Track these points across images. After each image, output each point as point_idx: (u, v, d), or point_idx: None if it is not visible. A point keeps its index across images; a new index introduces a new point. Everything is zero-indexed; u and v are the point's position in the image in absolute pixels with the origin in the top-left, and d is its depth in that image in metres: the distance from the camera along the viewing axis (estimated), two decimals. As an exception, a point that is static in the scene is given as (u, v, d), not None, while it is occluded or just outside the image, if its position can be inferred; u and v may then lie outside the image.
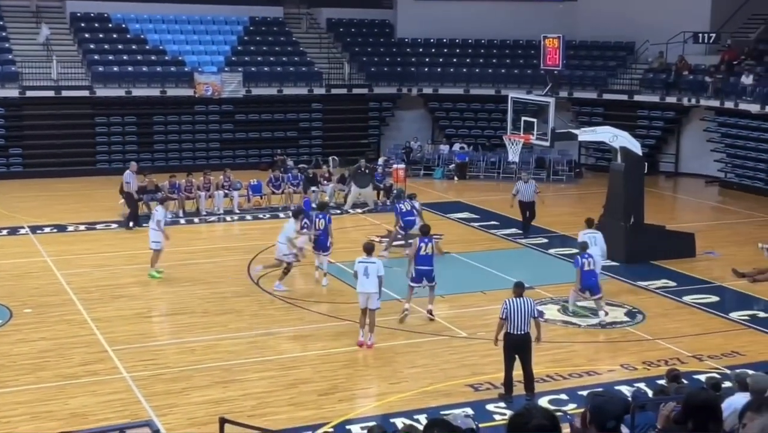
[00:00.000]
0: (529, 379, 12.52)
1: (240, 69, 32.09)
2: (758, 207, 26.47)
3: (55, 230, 22.50)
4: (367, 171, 26.05)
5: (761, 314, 16.61)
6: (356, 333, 15.10)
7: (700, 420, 5.29)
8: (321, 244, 18.12)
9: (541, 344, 12.89)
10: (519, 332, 12.35)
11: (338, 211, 24.15)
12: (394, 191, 23.89)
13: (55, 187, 27.86)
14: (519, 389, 12.67)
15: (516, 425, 3.73)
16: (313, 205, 20.19)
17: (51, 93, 29.77)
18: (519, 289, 12.74)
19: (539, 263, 20.02)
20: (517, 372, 12.51)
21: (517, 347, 12.42)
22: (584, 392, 12.33)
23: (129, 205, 22.84)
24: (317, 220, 18.26)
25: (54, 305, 16.58)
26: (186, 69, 31.68)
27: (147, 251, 18.71)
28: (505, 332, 12.42)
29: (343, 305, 16.65)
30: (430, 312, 16.00)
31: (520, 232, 22.18)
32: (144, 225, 23.02)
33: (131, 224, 22.59)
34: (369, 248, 14.92)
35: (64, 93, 29.91)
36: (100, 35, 32.71)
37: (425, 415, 11.63)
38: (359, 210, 25.13)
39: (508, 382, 12.49)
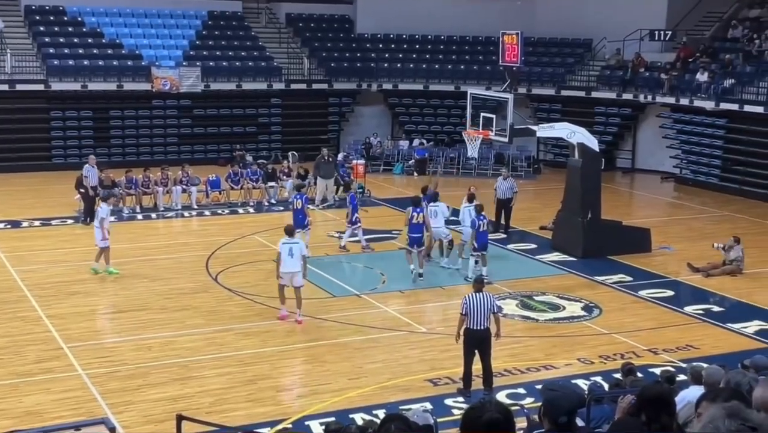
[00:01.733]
0: (487, 374, 12.59)
1: (198, 63, 31.80)
2: (712, 203, 26.91)
3: (9, 226, 22.13)
4: (330, 160, 25.96)
5: (715, 308, 16.89)
6: (314, 328, 15.14)
7: (653, 412, 5.36)
8: (299, 222, 19.03)
9: (500, 339, 12.95)
10: (479, 327, 12.39)
11: (311, 207, 23.79)
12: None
13: (10, 183, 27.42)
14: (478, 384, 12.74)
15: (470, 418, 3.76)
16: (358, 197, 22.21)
17: (5, 87, 29.23)
18: (479, 284, 12.81)
19: (498, 258, 20.12)
20: (476, 367, 12.57)
21: (477, 342, 12.46)
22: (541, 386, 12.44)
23: (85, 200, 22.53)
24: (295, 200, 19.72)
25: (8, 302, 16.31)
26: (143, 63, 31.33)
27: (103, 248, 18.48)
28: (466, 327, 12.46)
29: (302, 301, 16.60)
30: (420, 275, 17.80)
31: (504, 235, 21.81)
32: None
33: (87, 219, 22.31)
34: (290, 230, 15.91)
35: (19, 87, 29.40)
36: (56, 28, 32.22)
37: (384, 410, 11.63)
38: (319, 205, 25.01)
39: (467, 377, 12.54)
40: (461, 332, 12.55)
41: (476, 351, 12.51)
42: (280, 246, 15.47)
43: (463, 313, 12.41)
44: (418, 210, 18.03)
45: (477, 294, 12.51)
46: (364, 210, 22.05)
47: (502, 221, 22.27)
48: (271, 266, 18.98)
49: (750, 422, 3.52)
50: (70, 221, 22.62)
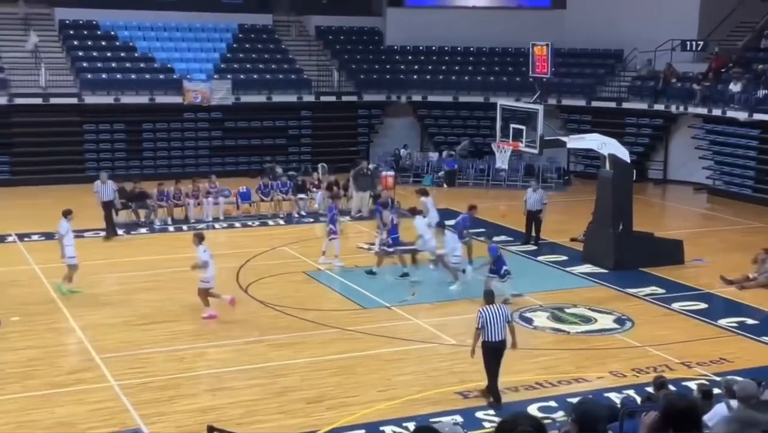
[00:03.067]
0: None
1: (229, 76, 32.07)
2: (746, 214, 26.59)
3: (42, 238, 22.36)
4: (369, 173, 26.00)
5: (749, 321, 16.66)
6: (344, 340, 15.18)
7: (680, 427, 5.27)
8: (332, 231, 20.02)
9: (530, 351, 12.88)
10: (496, 339, 12.44)
11: (343, 220, 23.75)
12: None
13: (43, 195, 27.72)
14: (509, 397, 12.69)
15: (503, 432, 3.73)
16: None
17: (39, 100, 29.67)
18: (490, 297, 12.87)
19: (528, 270, 20.04)
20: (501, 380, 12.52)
21: (496, 353, 12.52)
22: (574, 400, 12.33)
23: (105, 216, 22.34)
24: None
25: (42, 314, 16.49)
26: (175, 76, 31.64)
27: (132, 259, 18.61)
28: (483, 340, 12.48)
29: (331, 312, 16.66)
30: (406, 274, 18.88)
31: (534, 247, 21.85)
32: (130, 233, 22.97)
33: (112, 232, 22.36)
34: (203, 236, 16.72)
35: (53, 100, 29.82)
36: (89, 42, 32.66)
37: (414, 423, 11.60)
38: (355, 216, 25.03)
39: (495, 390, 12.51)
40: (478, 346, 12.57)
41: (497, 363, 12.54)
42: (201, 253, 16.09)
43: (479, 327, 12.43)
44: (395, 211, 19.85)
45: (490, 306, 12.54)
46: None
47: (533, 233, 22.18)
48: (301, 277, 19.10)
49: (764, 426, 3.48)
50: (102, 233, 22.81)
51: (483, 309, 12.52)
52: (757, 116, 27.81)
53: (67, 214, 18.02)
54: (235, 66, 33.15)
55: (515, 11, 36.58)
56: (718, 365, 14.22)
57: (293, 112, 33.28)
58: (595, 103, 32.69)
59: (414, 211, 20.52)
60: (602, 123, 31.30)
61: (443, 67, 35.29)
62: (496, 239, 22.32)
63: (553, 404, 12.57)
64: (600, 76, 33.87)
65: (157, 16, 33.95)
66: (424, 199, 20.94)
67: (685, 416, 5.31)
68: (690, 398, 7.53)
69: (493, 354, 12.48)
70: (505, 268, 17.21)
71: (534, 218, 22.07)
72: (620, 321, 16.49)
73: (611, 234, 20.15)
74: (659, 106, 31.15)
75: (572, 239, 22.36)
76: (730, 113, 28.69)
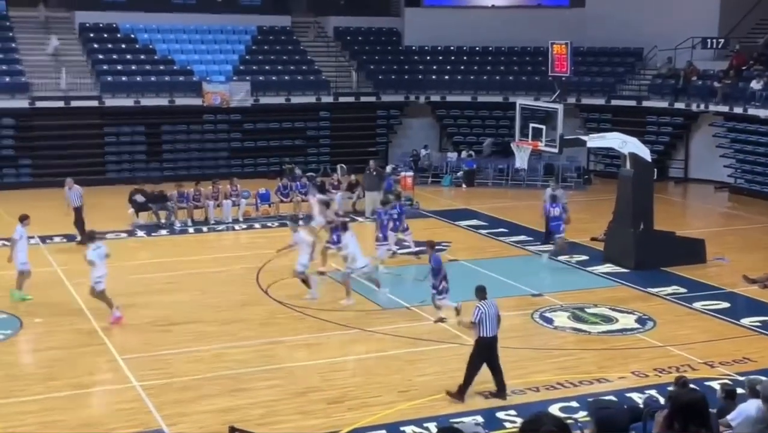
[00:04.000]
0: (503, 382, 12.68)
1: (248, 78, 32.17)
2: (768, 212, 26.41)
3: (64, 240, 22.53)
4: (375, 173, 26.00)
5: (773, 320, 16.53)
6: (364, 341, 15.16)
7: (685, 420, 5.23)
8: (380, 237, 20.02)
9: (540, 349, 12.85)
10: (491, 335, 12.50)
11: (348, 220, 23.92)
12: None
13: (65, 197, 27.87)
14: (530, 397, 12.64)
15: (527, 432, 3.71)
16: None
17: (60, 103, 29.89)
18: (483, 292, 12.87)
19: (548, 269, 19.98)
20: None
21: (489, 349, 12.56)
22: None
23: (75, 221, 22.09)
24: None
25: (64, 315, 16.58)
26: (194, 78, 31.79)
27: (152, 261, 18.67)
28: (478, 336, 12.51)
29: (350, 313, 16.66)
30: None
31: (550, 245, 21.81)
32: (150, 235, 23.07)
33: (79, 239, 21.88)
34: (92, 236, 16.63)
35: (74, 103, 30.02)
36: (109, 45, 32.85)
37: (435, 423, 11.60)
38: (369, 217, 25.03)
39: (467, 387, 12.52)
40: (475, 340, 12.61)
41: (485, 361, 12.58)
42: (97, 251, 15.99)
43: (476, 321, 12.43)
44: None
45: (485, 302, 12.60)
46: None
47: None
48: (319, 277, 19.09)
49: None
50: (123, 235, 22.95)
51: (480, 305, 12.56)
52: (779, 114, 27.62)
53: (23, 219, 17.77)
54: (254, 68, 33.25)
55: (534, 10, 36.47)
56: (741, 364, 14.11)
57: (312, 113, 33.33)
58: (615, 102, 32.57)
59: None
60: (622, 122, 31.16)
61: (462, 67, 35.24)
62: (515, 239, 22.36)
63: (574, 404, 12.51)
64: (620, 74, 33.72)
65: (177, 18, 34.12)
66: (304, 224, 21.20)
67: (690, 408, 5.28)
68: (695, 391, 7.44)
69: (487, 350, 12.55)
70: (444, 285, 16.12)
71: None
72: (642, 321, 16.39)
73: (632, 233, 20.04)
74: (680, 105, 30.99)
75: (593, 239, 22.25)
76: (751, 111, 28.50)
